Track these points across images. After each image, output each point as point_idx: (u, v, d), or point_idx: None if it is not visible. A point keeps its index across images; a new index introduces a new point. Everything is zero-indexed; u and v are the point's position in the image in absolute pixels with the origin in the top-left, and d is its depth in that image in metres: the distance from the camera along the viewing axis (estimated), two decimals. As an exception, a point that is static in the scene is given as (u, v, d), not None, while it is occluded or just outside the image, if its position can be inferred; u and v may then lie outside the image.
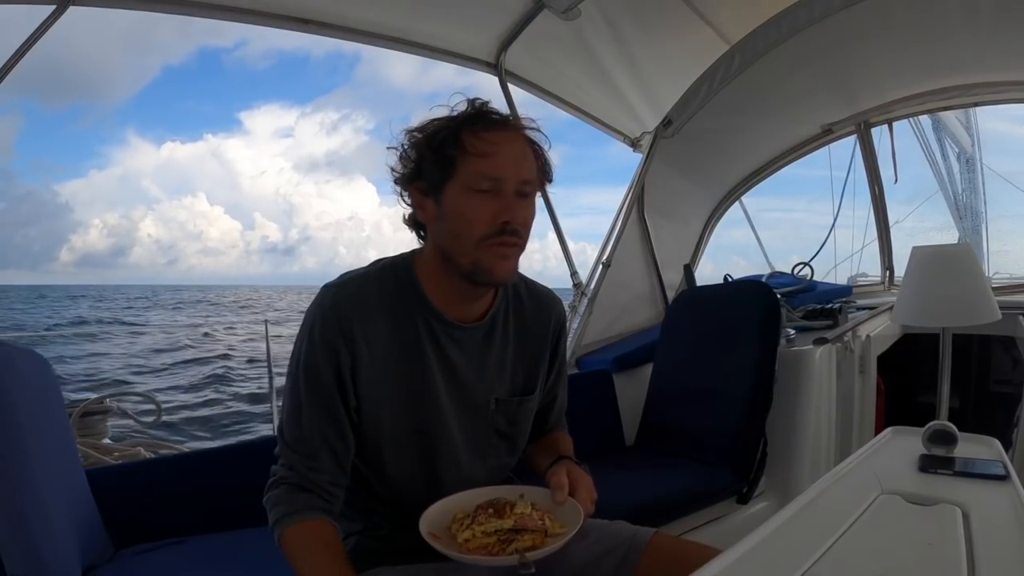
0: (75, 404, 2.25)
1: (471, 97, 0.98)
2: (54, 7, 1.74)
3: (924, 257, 1.96)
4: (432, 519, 0.94)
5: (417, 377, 1.00)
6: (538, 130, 1.01)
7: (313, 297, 1.00)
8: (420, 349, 1.00)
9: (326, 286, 1.00)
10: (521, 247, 0.98)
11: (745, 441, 1.95)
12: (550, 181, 1.05)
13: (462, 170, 0.93)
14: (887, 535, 0.78)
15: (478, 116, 0.96)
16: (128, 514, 1.59)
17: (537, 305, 1.14)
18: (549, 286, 1.21)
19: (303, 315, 1.00)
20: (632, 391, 2.40)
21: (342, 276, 1.02)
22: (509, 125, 0.97)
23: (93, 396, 2.33)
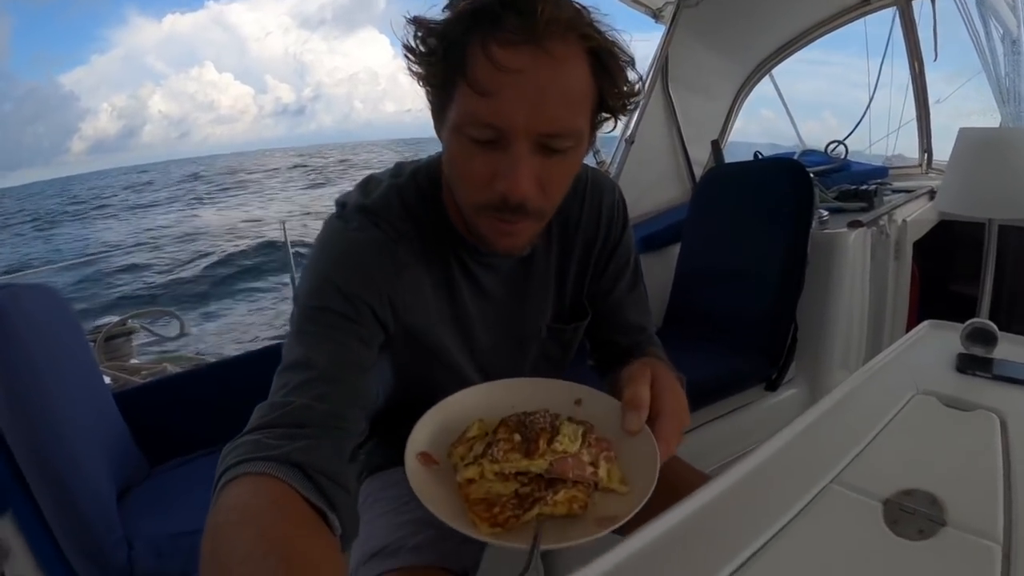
0: (99, 329, 2.27)
1: None
2: None
3: (973, 140, 1.81)
4: (434, 428, 0.66)
5: (454, 317, 0.84)
6: (605, 31, 0.67)
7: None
8: (453, 285, 0.82)
9: (342, 216, 0.78)
10: (536, 220, 0.72)
11: (775, 326, 1.90)
12: (619, 113, 0.72)
13: (457, 100, 0.65)
14: (921, 441, 0.74)
15: (496, 15, 0.62)
16: (161, 431, 1.63)
17: (584, 202, 0.89)
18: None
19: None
20: (659, 273, 2.32)
21: (359, 199, 0.79)
22: (542, 37, 0.61)
23: (115, 319, 2.33)
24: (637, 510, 0.56)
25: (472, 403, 0.71)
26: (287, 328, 0.73)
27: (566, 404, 0.70)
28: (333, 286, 0.71)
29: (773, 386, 1.92)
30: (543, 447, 0.59)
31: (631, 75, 0.70)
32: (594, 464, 0.60)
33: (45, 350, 1.25)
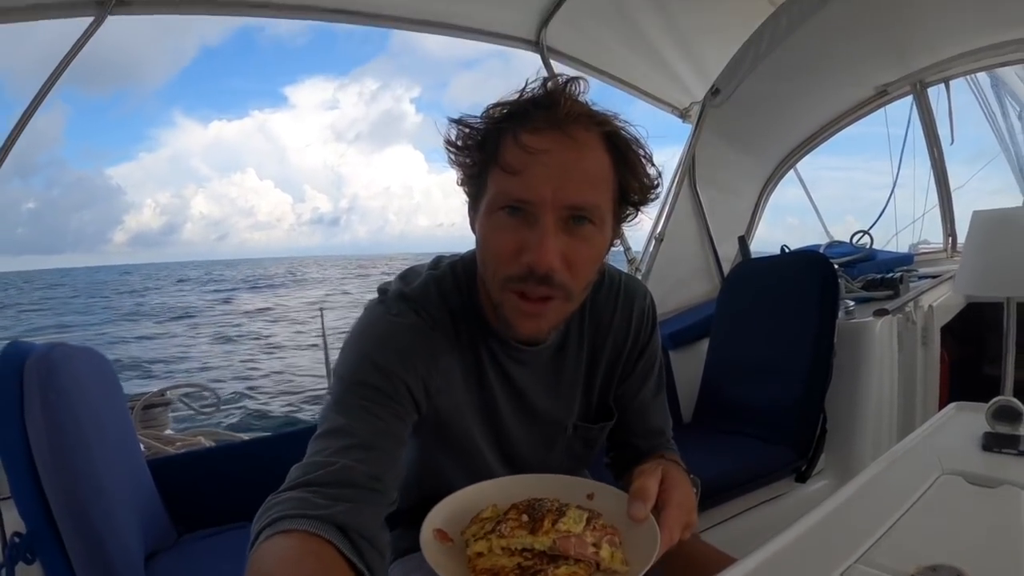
0: (137, 397, 2.34)
1: (546, 77, 0.74)
2: (92, 18, 1.75)
3: (985, 222, 1.84)
4: (452, 511, 0.70)
5: (482, 407, 0.87)
6: (623, 126, 0.74)
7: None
8: (483, 375, 0.86)
9: (384, 302, 0.83)
10: (562, 300, 0.74)
11: (804, 417, 1.90)
12: (640, 204, 0.79)
13: (491, 185, 0.73)
14: (947, 518, 0.75)
15: (525, 112, 0.72)
16: (191, 501, 1.64)
17: (616, 306, 0.93)
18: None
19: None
20: (688, 367, 2.36)
21: (400, 287, 0.85)
22: (564, 124, 0.70)
23: (155, 390, 2.41)
24: None
25: (488, 493, 0.74)
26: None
27: (579, 497, 0.73)
28: (372, 363, 0.75)
29: (803, 477, 1.90)
30: (547, 526, 0.62)
31: (651, 169, 0.77)
32: (596, 545, 0.62)
33: (90, 409, 1.30)
